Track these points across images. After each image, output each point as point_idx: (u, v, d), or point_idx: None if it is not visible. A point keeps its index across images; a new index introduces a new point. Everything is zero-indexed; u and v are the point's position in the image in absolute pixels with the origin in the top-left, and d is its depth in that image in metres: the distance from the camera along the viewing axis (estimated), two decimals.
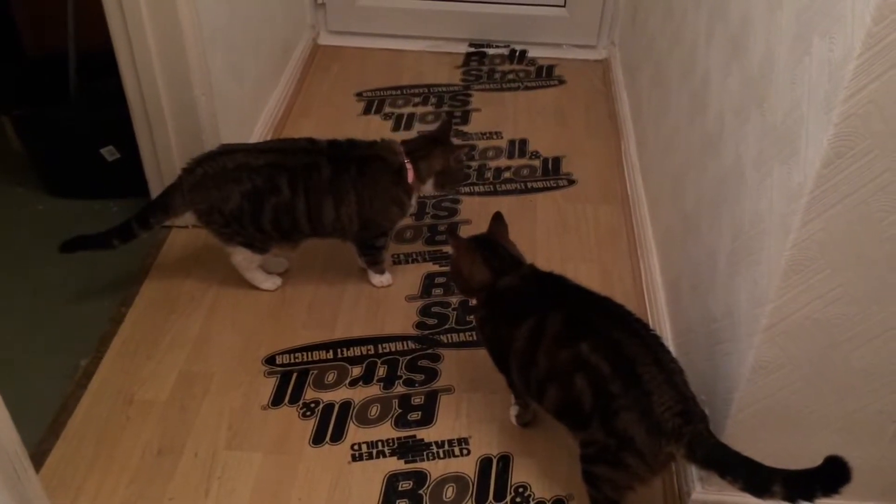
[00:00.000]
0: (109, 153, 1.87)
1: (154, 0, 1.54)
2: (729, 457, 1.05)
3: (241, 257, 1.65)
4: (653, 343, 1.18)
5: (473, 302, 1.41)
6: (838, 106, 0.86)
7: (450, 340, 1.62)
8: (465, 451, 1.41)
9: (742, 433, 1.16)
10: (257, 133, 2.07)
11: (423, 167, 1.62)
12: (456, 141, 1.81)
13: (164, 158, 1.77)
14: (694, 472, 1.28)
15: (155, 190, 1.80)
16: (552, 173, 2.07)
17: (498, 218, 1.40)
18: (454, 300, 1.70)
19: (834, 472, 0.95)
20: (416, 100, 2.35)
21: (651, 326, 1.26)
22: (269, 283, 1.71)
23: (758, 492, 1.00)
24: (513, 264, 1.33)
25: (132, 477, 1.35)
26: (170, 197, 1.61)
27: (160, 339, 1.60)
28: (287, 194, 1.56)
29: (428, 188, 1.66)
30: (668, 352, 1.18)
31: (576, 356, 1.17)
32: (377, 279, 1.73)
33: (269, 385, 1.51)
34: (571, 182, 2.04)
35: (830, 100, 0.88)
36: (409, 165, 1.61)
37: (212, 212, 1.58)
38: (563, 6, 2.47)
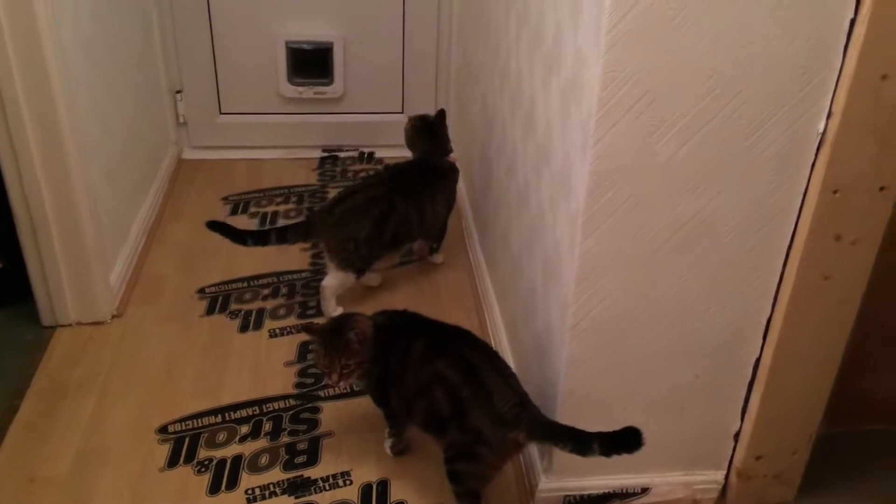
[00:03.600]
0: None
1: (38, 115, 1.73)
2: (557, 429, 1.33)
3: (339, 282, 2.03)
4: (492, 355, 1.46)
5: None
6: (590, 150, 1.21)
7: (327, 395, 1.82)
8: (348, 482, 1.60)
9: (570, 421, 1.44)
10: (132, 236, 2.25)
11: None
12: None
13: (49, 265, 1.91)
14: (539, 466, 1.55)
15: (40, 297, 1.94)
16: None
17: (307, 326, 1.55)
18: None
19: (631, 438, 1.25)
20: (279, 199, 2.62)
21: (491, 345, 1.54)
22: (337, 312, 2.04)
23: (582, 452, 1.27)
24: (364, 315, 1.56)
25: None
26: (310, 227, 2.05)
27: (55, 423, 1.71)
28: (403, 209, 2.04)
29: None
30: (505, 361, 1.46)
31: (434, 372, 1.42)
32: (440, 257, 2.30)
33: (164, 451, 1.66)
34: (422, 256, 2.35)
35: (585, 146, 1.22)
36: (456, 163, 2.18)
37: (348, 240, 2.00)
38: (402, 112, 2.86)
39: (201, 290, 2.15)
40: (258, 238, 2.05)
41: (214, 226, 2.00)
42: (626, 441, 1.25)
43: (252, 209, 2.56)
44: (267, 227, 2.04)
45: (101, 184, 2.02)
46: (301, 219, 2.13)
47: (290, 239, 2.05)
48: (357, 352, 1.46)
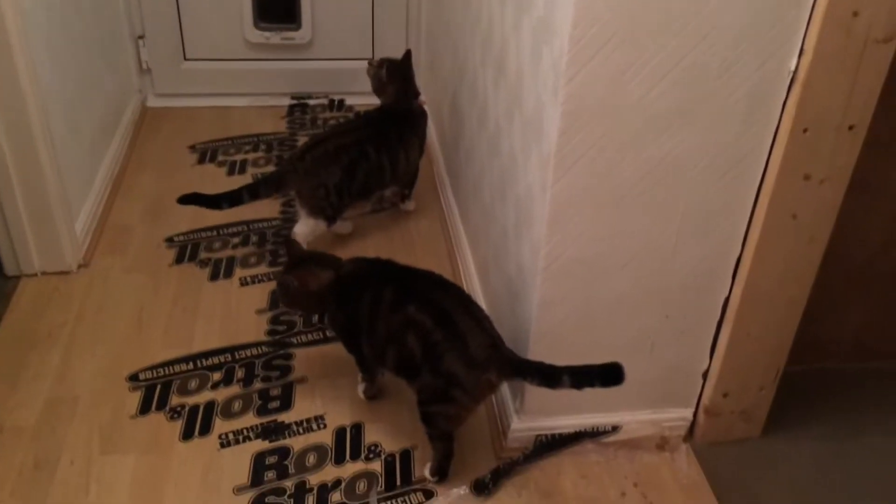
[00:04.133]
0: None
1: None
2: (527, 365, 1.35)
3: (310, 229, 2.02)
4: (465, 299, 1.46)
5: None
6: (561, 90, 1.19)
7: (300, 341, 1.82)
8: (322, 426, 1.61)
9: None
10: (98, 185, 2.20)
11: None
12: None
13: (10, 213, 1.86)
14: (511, 407, 1.57)
15: (3, 246, 1.90)
16: None
17: (289, 243, 1.65)
18: None
19: (610, 373, 1.26)
20: (247, 147, 2.57)
21: (463, 289, 1.55)
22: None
23: (552, 384, 1.29)
24: (336, 260, 1.56)
25: (11, 491, 1.44)
26: (283, 178, 2.03)
27: (22, 372, 1.69)
28: (375, 158, 2.03)
29: None
30: (478, 305, 1.46)
31: (405, 317, 1.42)
32: (412, 204, 2.28)
33: (135, 398, 1.65)
34: (393, 204, 2.33)
35: (556, 87, 1.21)
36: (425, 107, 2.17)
37: (319, 187, 1.98)
38: (372, 59, 2.80)
39: (169, 239, 2.12)
40: (231, 199, 2.00)
41: (186, 199, 1.98)
42: (603, 375, 1.27)
43: (220, 157, 2.51)
44: (238, 188, 1.99)
45: (62, 132, 1.97)
46: (272, 171, 2.09)
47: (263, 193, 2.02)
48: (287, 297, 1.56)
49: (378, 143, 2.07)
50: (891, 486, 1.55)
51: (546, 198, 1.30)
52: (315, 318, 1.87)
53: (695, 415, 1.59)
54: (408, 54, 2.16)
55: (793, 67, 1.20)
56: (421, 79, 2.24)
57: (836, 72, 1.18)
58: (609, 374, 1.27)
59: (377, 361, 1.54)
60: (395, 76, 2.14)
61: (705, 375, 1.54)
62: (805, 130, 1.23)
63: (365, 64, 2.23)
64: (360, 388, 1.67)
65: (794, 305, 1.44)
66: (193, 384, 1.69)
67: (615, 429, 1.57)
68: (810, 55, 1.16)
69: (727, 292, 1.44)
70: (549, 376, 1.30)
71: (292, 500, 1.45)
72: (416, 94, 2.19)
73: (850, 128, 1.24)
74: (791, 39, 1.18)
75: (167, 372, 1.72)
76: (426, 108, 2.22)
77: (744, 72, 1.19)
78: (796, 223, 1.33)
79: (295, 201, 2.09)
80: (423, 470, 1.51)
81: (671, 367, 1.52)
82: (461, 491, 1.48)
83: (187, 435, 1.58)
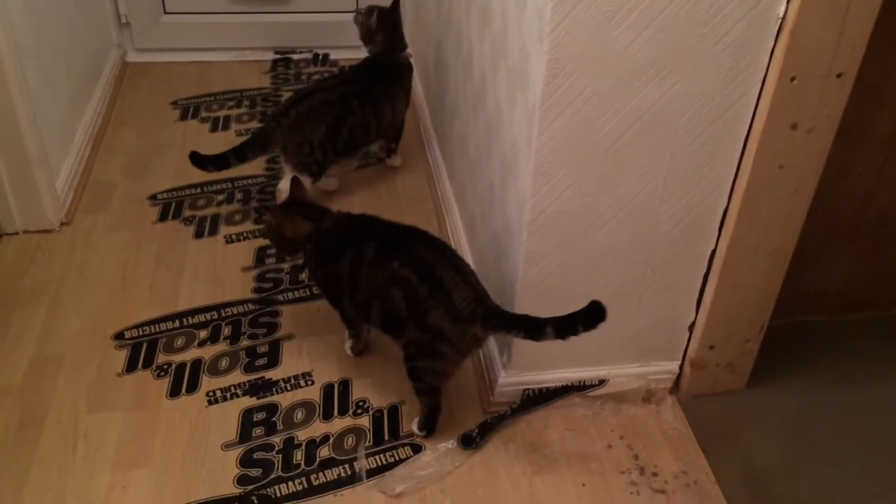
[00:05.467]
0: None
1: None
2: (511, 318, 1.35)
3: None
4: (450, 254, 1.45)
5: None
6: (546, 38, 1.17)
7: (286, 298, 1.81)
8: (309, 382, 1.61)
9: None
10: (78, 142, 2.17)
11: None
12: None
13: None
14: (498, 362, 1.57)
15: None
16: None
17: (296, 181, 1.60)
18: (286, 266, 1.90)
19: (593, 312, 1.25)
20: (230, 103, 2.53)
21: (448, 244, 1.54)
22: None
23: (536, 336, 1.29)
24: (324, 213, 1.55)
25: None
26: (267, 136, 1.98)
27: (5, 332, 1.68)
28: (360, 113, 2.00)
29: None
30: (463, 259, 1.45)
31: (390, 273, 1.41)
32: (398, 160, 2.26)
33: (121, 356, 1.64)
34: (380, 159, 2.30)
35: (541, 34, 1.18)
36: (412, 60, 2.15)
37: (304, 143, 1.96)
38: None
39: (153, 197, 2.10)
40: (218, 163, 1.99)
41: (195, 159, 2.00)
42: (585, 316, 1.25)
43: (203, 114, 2.47)
44: (223, 152, 1.97)
45: (39, 88, 1.93)
46: (256, 130, 2.07)
47: (251, 155, 2.00)
48: (266, 232, 1.65)
49: (363, 98, 2.03)
50: (874, 436, 1.56)
51: (531, 150, 1.28)
52: (301, 275, 1.86)
53: (681, 367, 1.60)
54: (395, 2, 2.12)
55: (781, 14, 1.17)
56: (407, 32, 2.19)
57: (825, 18, 1.16)
58: (591, 315, 1.26)
59: (362, 317, 1.53)
60: (386, 23, 2.11)
61: (691, 328, 1.54)
62: (793, 79, 1.21)
63: (349, 16, 2.19)
64: (347, 344, 1.66)
65: (779, 257, 1.44)
66: (180, 342, 1.69)
67: (602, 382, 1.58)
68: (798, 1, 1.14)
69: (714, 245, 1.43)
70: (534, 328, 1.29)
71: (280, 456, 1.46)
72: (404, 46, 2.15)
73: (839, 76, 1.22)
74: None
75: (153, 330, 1.71)
76: (412, 61, 2.19)
77: (730, 19, 1.17)
78: (783, 173, 1.31)
79: (280, 158, 2.07)
80: (411, 425, 1.51)
81: (657, 320, 1.52)
82: (449, 445, 1.49)
83: (174, 392, 1.57)
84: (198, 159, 1.99)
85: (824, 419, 1.59)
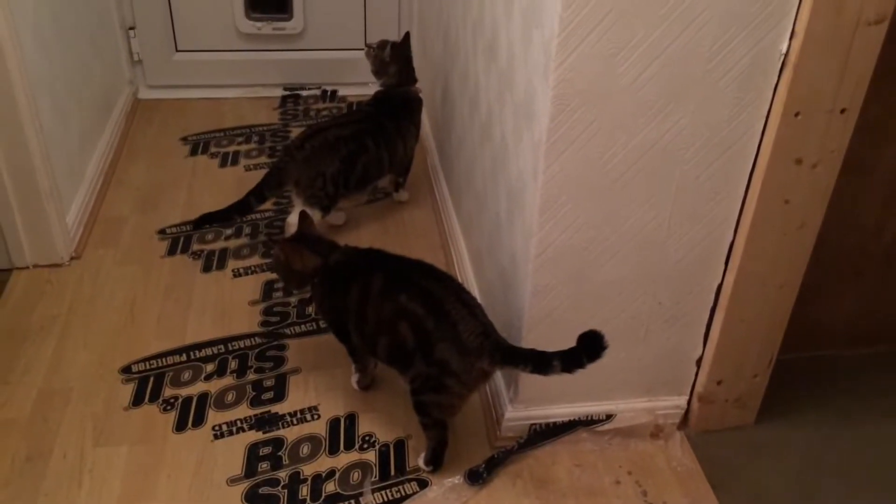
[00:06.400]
0: None
1: None
2: (519, 352, 1.35)
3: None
4: (456, 287, 1.45)
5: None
6: (552, 74, 1.18)
7: (293, 332, 1.82)
8: (315, 416, 1.61)
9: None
10: (89, 176, 2.19)
11: None
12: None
13: (1, 206, 1.85)
14: (505, 396, 1.56)
15: None
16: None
17: (304, 215, 1.60)
18: (293, 300, 1.90)
19: (592, 343, 1.25)
20: (240, 139, 2.56)
21: (455, 277, 1.54)
22: None
23: (543, 370, 1.28)
24: (332, 246, 1.56)
25: (4, 482, 1.43)
26: (282, 172, 2.00)
27: (14, 365, 1.68)
28: (374, 150, 2.04)
29: None
30: (469, 293, 1.46)
31: (397, 307, 1.41)
32: (406, 195, 2.28)
33: (127, 390, 1.64)
34: (387, 194, 2.32)
35: (547, 70, 1.20)
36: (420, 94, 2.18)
37: (317, 176, 1.98)
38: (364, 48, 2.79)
39: (162, 231, 2.11)
40: (241, 209, 2.02)
41: (200, 221, 2.03)
42: (587, 348, 1.25)
43: (212, 149, 2.50)
44: (244, 196, 2.01)
45: (52, 123, 1.96)
46: (270, 168, 2.07)
47: (268, 194, 2.03)
48: (273, 265, 1.65)
49: (377, 135, 2.07)
50: (884, 472, 1.54)
51: (537, 184, 1.29)
52: (308, 309, 1.87)
53: (689, 402, 1.58)
54: (407, 36, 2.16)
55: (784, 50, 1.19)
56: (416, 66, 2.22)
57: (828, 54, 1.18)
58: (591, 345, 1.25)
59: (369, 351, 1.53)
60: (398, 56, 2.15)
61: (699, 362, 1.54)
62: (797, 114, 1.22)
63: (357, 54, 2.22)
64: (354, 378, 1.66)
65: (786, 291, 1.43)
66: (187, 376, 1.69)
67: (609, 417, 1.57)
68: (801, 37, 1.16)
69: (720, 278, 1.43)
70: (541, 362, 1.29)
71: (286, 491, 1.45)
72: (415, 79, 2.18)
73: (842, 111, 1.23)
74: (782, 21, 1.17)
75: (160, 364, 1.71)
76: (421, 95, 2.21)
77: (735, 55, 1.18)
78: (788, 208, 1.32)
79: (290, 191, 2.08)
80: (418, 460, 1.50)
81: (665, 355, 1.51)
82: (455, 480, 1.47)
83: (181, 426, 1.57)
84: (220, 214, 2.01)
85: (834, 455, 1.57)
